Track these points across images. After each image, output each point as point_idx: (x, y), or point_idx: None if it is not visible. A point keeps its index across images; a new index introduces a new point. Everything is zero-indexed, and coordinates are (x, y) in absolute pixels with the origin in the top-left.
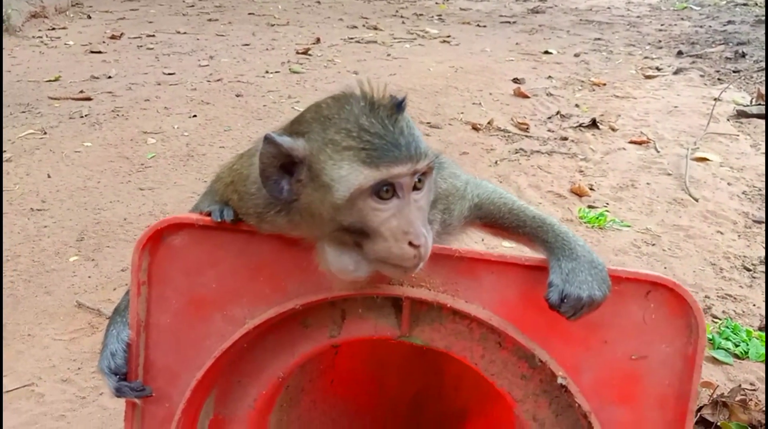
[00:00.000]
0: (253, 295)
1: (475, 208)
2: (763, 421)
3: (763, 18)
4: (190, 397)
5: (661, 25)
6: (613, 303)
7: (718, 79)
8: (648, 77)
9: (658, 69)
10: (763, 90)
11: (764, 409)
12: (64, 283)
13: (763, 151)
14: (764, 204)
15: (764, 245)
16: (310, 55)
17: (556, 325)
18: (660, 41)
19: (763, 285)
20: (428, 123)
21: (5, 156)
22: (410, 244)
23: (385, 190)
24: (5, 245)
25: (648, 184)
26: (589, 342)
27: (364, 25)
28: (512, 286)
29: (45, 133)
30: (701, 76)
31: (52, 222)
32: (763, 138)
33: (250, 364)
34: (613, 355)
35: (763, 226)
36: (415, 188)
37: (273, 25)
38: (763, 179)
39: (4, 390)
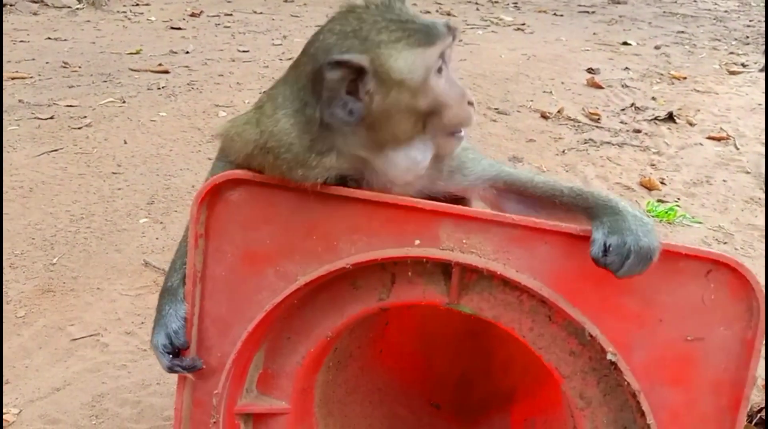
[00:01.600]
0: (305, 252)
1: (498, 173)
2: None
3: None
4: (241, 349)
5: (750, 20)
6: (670, 280)
7: None
8: (732, 73)
9: (743, 65)
10: None
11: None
12: (134, 242)
13: None
14: None
15: None
16: None
17: (609, 300)
18: (747, 37)
19: None
20: (496, 109)
21: (86, 121)
22: (469, 103)
23: (441, 65)
24: (82, 204)
25: (724, 181)
26: (644, 319)
27: (437, 11)
28: (566, 258)
29: (124, 101)
30: None
31: (126, 185)
32: None
33: (299, 321)
34: (668, 335)
35: None
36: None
37: None
38: None
39: (71, 337)
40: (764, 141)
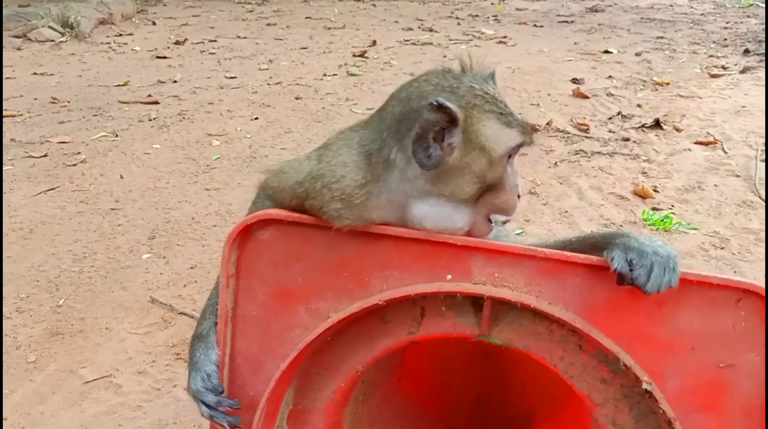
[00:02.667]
0: (337, 289)
1: None
2: None
3: None
4: (275, 387)
5: (726, 22)
6: (702, 309)
7: None
8: (713, 76)
9: (724, 68)
10: None
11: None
12: (138, 279)
13: None
14: None
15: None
16: (366, 57)
17: (641, 330)
18: (726, 39)
19: None
20: None
21: (80, 157)
22: (518, 196)
23: (514, 152)
24: (84, 242)
25: (716, 185)
26: (675, 348)
27: (419, 27)
28: (597, 289)
29: (116, 135)
30: None
31: (126, 221)
32: None
33: (330, 357)
34: (700, 363)
35: None
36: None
37: (330, 29)
38: None
39: (84, 380)
40: (751, 143)
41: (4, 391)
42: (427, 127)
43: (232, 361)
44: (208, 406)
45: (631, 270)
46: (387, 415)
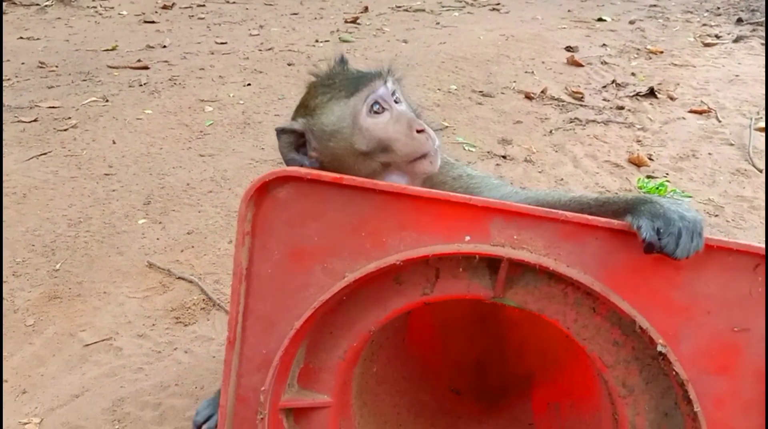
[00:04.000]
0: (353, 249)
1: (525, 199)
2: None
3: None
4: (288, 345)
5: None
6: (720, 274)
7: None
8: (707, 45)
9: (717, 37)
10: None
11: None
12: (135, 244)
13: None
14: None
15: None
16: (358, 24)
17: (658, 294)
18: (719, 8)
19: None
20: (480, 92)
21: (71, 122)
22: (417, 131)
23: (374, 107)
24: (78, 207)
25: (710, 154)
26: (691, 312)
27: None
28: (616, 253)
29: (107, 100)
30: (762, 44)
31: (120, 186)
32: None
33: (343, 317)
34: (715, 326)
35: None
36: (396, 103)
37: None
38: None
39: (84, 343)
40: (744, 112)
41: (3, 354)
42: (285, 149)
43: (245, 319)
44: None
45: (659, 238)
46: (392, 376)
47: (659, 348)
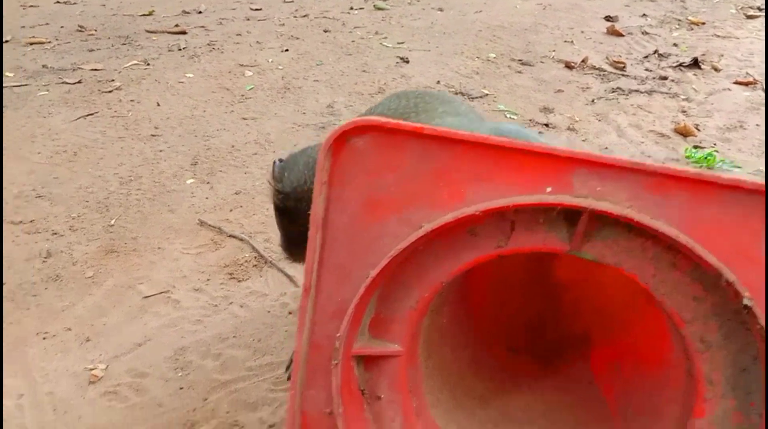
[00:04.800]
0: (430, 200)
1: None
2: None
3: None
4: (364, 294)
5: None
6: None
7: None
8: (749, 17)
9: (759, 9)
10: None
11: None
12: (185, 202)
13: None
14: None
15: None
16: None
17: (745, 248)
18: None
19: None
20: (519, 60)
21: (114, 84)
22: None
23: None
24: (128, 166)
25: (757, 125)
26: None
27: None
28: (703, 205)
29: (148, 64)
30: None
31: (167, 147)
32: None
33: (415, 268)
34: None
35: None
36: None
37: None
38: None
39: (142, 295)
40: None
41: (63, 304)
42: None
43: (321, 268)
44: None
45: None
46: (453, 331)
47: (745, 301)
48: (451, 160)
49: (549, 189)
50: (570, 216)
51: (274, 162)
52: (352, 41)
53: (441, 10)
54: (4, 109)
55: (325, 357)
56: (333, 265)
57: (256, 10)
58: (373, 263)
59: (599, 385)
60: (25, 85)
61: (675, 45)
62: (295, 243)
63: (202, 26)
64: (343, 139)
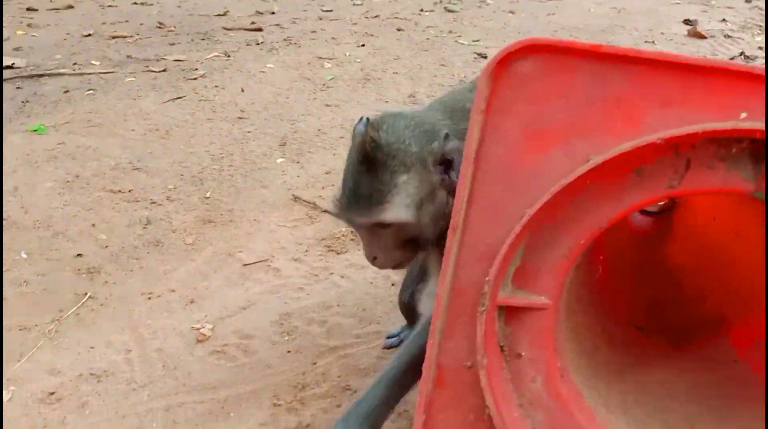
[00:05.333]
0: (602, 129)
1: None
2: None
3: None
4: (519, 234)
5: None
6: None
7: None
8: None
9: None
10: None
11: None
12: (277, 179)
13: None
14: None
15: None
16: None
17: None
18: None
19: None
20: None
21: (198, 73)
22: None
23: None
24: (218, 145)
25: None
26: None
27: None
28: None
29: (228, 56)
30: None
31: (254, 128)
32: None
33: (573, 210)
34: None
35: None
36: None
37: None
38: None
39: (242, 263)
40: None
41: (165, 268)
42: None
43: (470, 206)
44: None
45: None
46: (583, 297)
47: None
48: (629, 83)
49: (744, 114)
50: (755, 152)
51: (361, 118)
52: (427, 38)
53: (512, 12)
54: (93, 92)
55: (468, 305)
56: (484, 203)
57: (327, 11)
58: (530, 201)
59: (745, 362)
60: (112, 72)
61: (760, 48)
62: (358, 197)
63: (277, 24)
64: (505, 62)
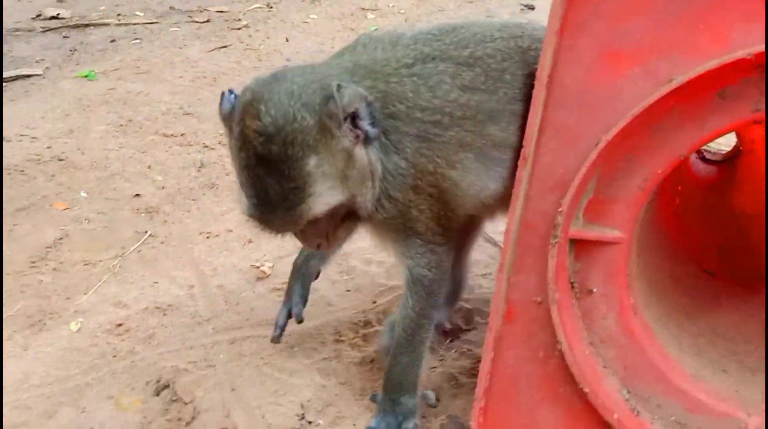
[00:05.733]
0: (684, 47)
1: None
2: None
3: None
4: (595, 160)
5: None
6: None
7: None
8: None
9: None
10: None
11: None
12: None
13: None
14: None
15: None
16: None
17: None
18: None
19: None
20: None
21: (242, 23)
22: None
23: None
24: None
25: None
26: None
27: None
28: None
29: (271, 7)
30: None
31: None
32: None
33: (651, 136)
34: None
35: None
36: None
37: None
38: None
39: None
40: None
41: (221, 209)
42: None
43: (542, 133)
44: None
45: None
46: (652, 239)
47: None
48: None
49: None
50: None
51: (223, 94)
52: None
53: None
54: (139, 41)
55: (538, 237)
56: (558, 129)
57: None
58: (607, 126)
59: None
60: (156, 22)
61: None
62: (273, 205)
63: None
64: None
